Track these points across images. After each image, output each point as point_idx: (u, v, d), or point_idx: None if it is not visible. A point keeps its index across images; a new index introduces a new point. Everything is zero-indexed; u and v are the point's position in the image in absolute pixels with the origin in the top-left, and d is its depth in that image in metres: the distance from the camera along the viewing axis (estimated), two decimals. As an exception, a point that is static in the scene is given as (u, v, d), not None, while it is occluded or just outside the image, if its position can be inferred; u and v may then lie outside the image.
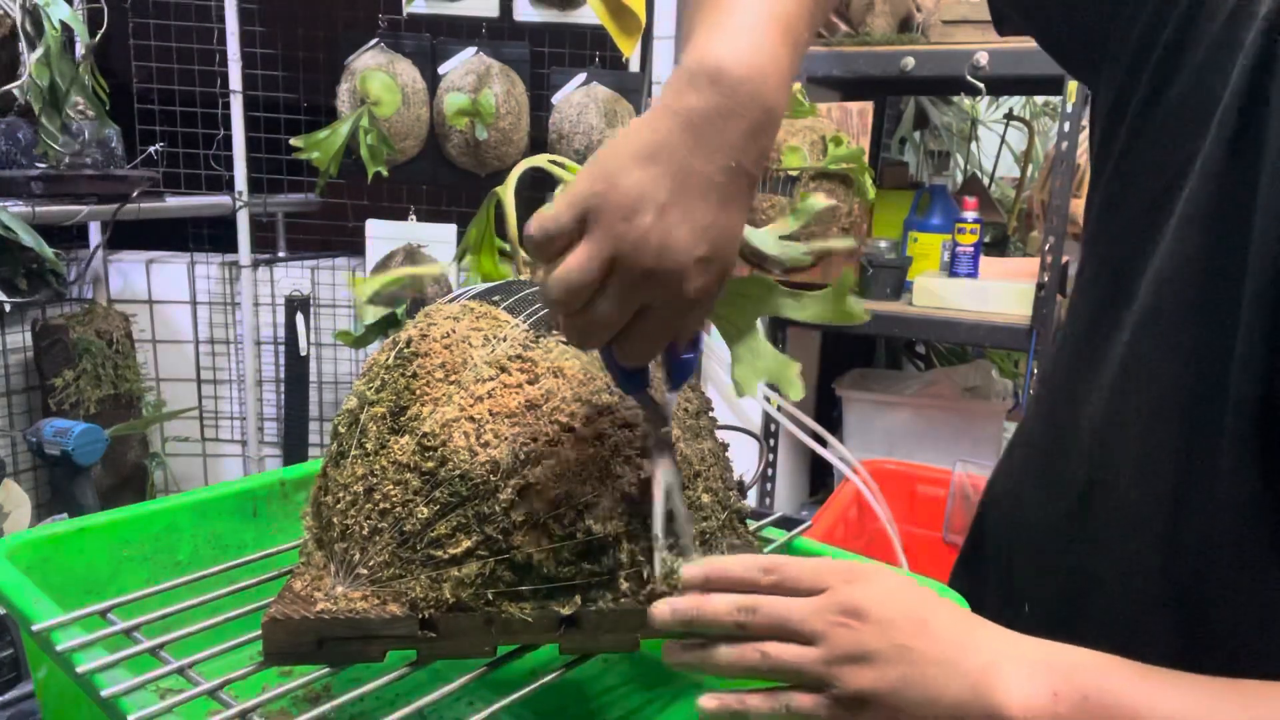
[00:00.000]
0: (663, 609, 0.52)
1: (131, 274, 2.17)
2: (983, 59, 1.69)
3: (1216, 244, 0.49)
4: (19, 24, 1.64)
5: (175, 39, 2.07)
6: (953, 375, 2.15)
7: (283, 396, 2.22)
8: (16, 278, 1.87)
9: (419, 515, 0.55)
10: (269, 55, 2.07)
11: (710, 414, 0.71)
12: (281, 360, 2.21)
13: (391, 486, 0.56)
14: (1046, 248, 1.69)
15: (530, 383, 0.59)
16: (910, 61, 1.75)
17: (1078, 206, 1.77)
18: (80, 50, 1.78)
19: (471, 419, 0.57)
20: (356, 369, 2.24)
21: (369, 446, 0.59)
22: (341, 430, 0.62)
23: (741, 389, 0.66)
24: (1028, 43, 1.78)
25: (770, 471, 1.99)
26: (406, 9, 1.92)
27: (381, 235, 2.02)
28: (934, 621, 0.48)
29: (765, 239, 0.74)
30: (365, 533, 0.56)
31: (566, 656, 0.58)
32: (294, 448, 2.20)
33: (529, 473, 0.55)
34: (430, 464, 0.56)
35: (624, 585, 0.56)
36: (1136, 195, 0.56)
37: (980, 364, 2.24)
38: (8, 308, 1.86)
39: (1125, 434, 0.54)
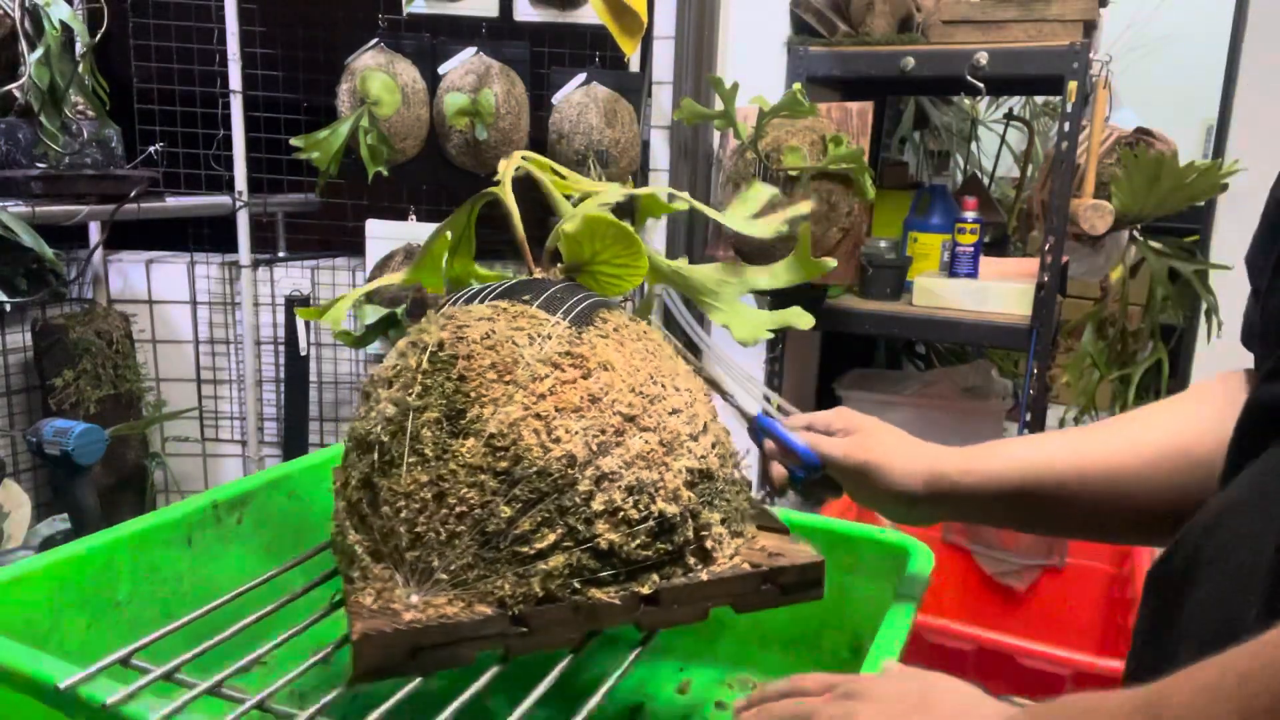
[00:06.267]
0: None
1: (131, 274, 2.17)
2: (983, 59, 1.69)
3: None
4: (19, 23, 1.64)
5: (175, 39, 2.07)
6: (953, 375, 2.15)
7: (283, 396, 2.22)
8: (16, 278, 1.87)
9: (501, 514, 0.56)
10: (269, 55, 2.07)
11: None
12: (281, 360, 2.21)
13: (466, 489, 0.57)
14: (1046, 248, 1.69)
15: (585, 377, 0.60)
16: (910, 61, 1.75)
17: (1078, 206, 1.77)
18: (80, 50, 1.78)
19: (538, 416, 0.58)
20: (356, 369, 2.23)
21: (428, 453, 0.58)
22: (385, 439, 0.61)
23: (746, 342, 0.76)
24: (1028, 43, 1.78)
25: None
26: (406, 9, 1.92)
27: (381, 235, 2.02)
28: (933, 695, 0.52)
29: (738, 221, 0.80)
30: (443, 538, 0.57)
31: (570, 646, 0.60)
32: (294, 448, 2.20)
33: (602, 462, 0.57)
34: (504, 463, 0.57)
35: (690, 560, 0.61)
36: None
37: (980, 364, 2.24)
38: (8, 308, 1.86)
39: None
